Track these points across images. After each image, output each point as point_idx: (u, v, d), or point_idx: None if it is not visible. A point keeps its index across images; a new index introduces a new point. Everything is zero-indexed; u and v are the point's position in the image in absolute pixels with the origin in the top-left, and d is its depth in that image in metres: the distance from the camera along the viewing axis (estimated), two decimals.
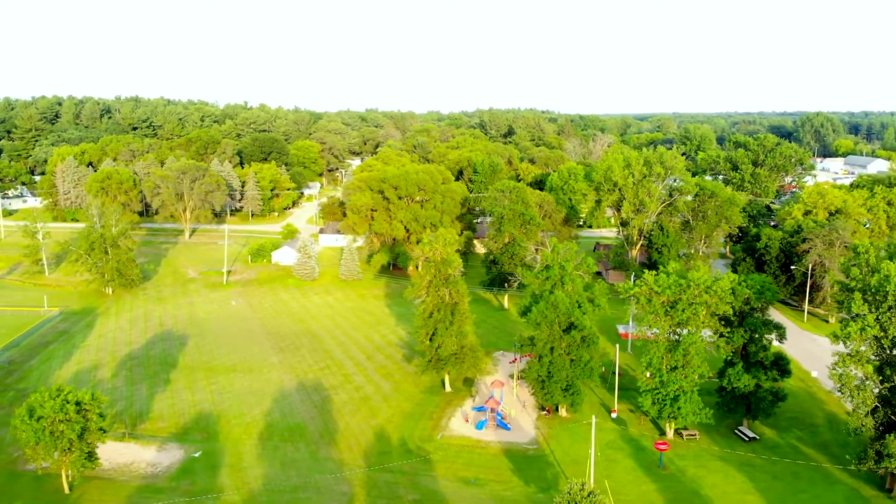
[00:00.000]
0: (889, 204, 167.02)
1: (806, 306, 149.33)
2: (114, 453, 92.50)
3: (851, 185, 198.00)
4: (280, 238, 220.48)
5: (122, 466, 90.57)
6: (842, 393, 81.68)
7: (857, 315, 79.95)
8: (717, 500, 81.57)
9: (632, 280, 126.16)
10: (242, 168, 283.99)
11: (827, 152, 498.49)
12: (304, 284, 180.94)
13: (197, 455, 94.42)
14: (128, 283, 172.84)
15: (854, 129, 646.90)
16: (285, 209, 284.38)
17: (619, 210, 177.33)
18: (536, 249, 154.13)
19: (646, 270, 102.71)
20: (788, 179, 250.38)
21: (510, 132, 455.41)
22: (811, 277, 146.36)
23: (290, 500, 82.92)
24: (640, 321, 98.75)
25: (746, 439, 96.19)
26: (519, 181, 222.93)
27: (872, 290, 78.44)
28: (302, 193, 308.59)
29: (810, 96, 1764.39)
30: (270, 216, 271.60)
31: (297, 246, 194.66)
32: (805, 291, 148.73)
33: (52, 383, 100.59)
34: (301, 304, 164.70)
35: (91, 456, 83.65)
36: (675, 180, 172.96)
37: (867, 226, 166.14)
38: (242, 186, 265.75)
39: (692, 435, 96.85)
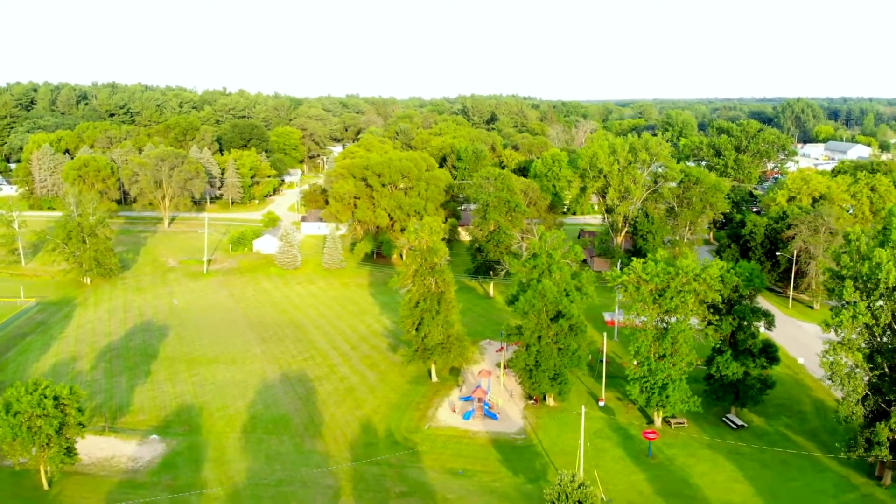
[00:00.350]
0: (872, 190, 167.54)
1: (791, 293, 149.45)
2: (93, 448, 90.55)
3: (834, 170, 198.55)
4: (261, 226, 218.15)
5: (101, 461, 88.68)
6: (832, 381, 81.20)
7: (847, 303, 79.43)
8: (707, 489, 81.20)
9: (618, 267, 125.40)
10: (222, 155, 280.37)
11: (807, 138, 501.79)
12: (287, 273, 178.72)
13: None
14: (106, 273, 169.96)
15: (833, 114, 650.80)
16: (266, 197, 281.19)
17: (604, 197, 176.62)
18: (522, 237, 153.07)
19: (633, 258, 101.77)
20: (771, 165, 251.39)
21: (493, 118, 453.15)
22: (796, 264, 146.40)
23: (274, 494, 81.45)
24: (628, 309, 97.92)
25: (735, 427, 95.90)
26: (503, 168, 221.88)
27: (864, 278, 77.91)
28: (283, 181, 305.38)
29: (790, 82, 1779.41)
30: (251, 204, 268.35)
31: (278, 234, 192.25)
32: (790, 278, 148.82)
33: (30, 376, 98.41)
34: (284, 294, 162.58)
35: (70, 451, 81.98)
36: (660, 167, 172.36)
37: (851, 211, 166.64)
38: (222, 174, 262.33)
39: (680, 423, 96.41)
